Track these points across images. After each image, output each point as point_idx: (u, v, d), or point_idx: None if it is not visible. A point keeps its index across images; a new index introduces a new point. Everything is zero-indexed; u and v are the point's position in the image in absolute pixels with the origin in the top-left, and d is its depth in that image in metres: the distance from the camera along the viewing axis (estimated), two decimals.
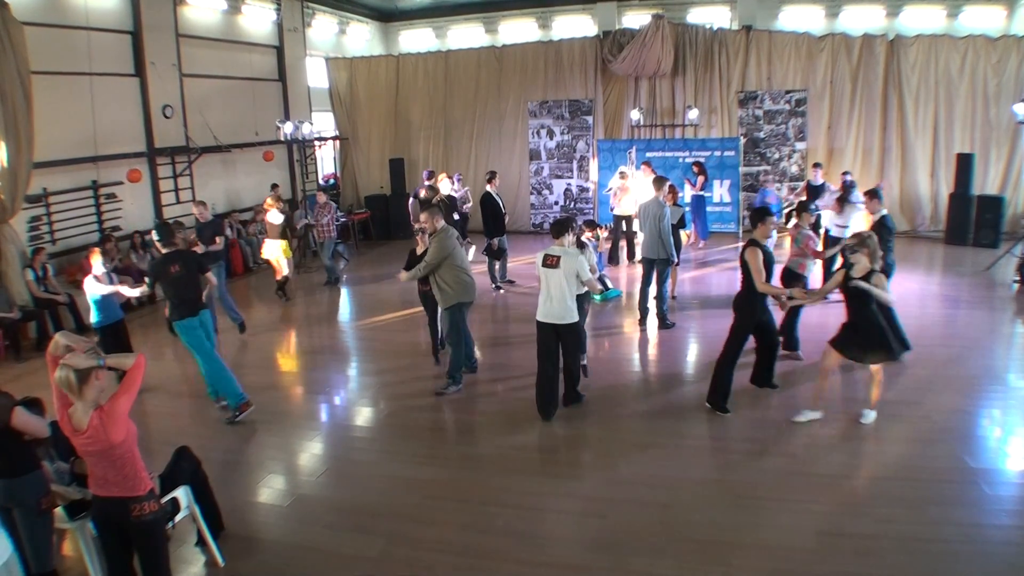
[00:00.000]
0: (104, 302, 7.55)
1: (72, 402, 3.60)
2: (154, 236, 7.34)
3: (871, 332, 6.02)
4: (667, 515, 5.10)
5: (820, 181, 12.50)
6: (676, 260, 9.44)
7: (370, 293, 12.22)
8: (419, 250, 7.72)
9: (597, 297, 10.08)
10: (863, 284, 5.91)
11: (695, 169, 13.76)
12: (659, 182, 9.40)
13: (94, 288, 7.45)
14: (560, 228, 6.61)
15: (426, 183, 12.13)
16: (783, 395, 7.02)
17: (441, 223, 7.31)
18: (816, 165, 13.03)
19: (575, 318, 6.59)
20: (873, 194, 8.38)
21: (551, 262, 6.47)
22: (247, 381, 8.34)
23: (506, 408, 7.14)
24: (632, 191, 12.57)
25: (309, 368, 8.87)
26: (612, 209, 12.83)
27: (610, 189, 13.03)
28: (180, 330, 7.01)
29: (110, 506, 3.73)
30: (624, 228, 12.73)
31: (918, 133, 14.67)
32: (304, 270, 13.82)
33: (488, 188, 11.39)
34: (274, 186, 14.71)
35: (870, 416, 6.30)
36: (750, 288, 6.49)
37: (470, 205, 12.91)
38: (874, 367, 6.22)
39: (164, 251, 7.08)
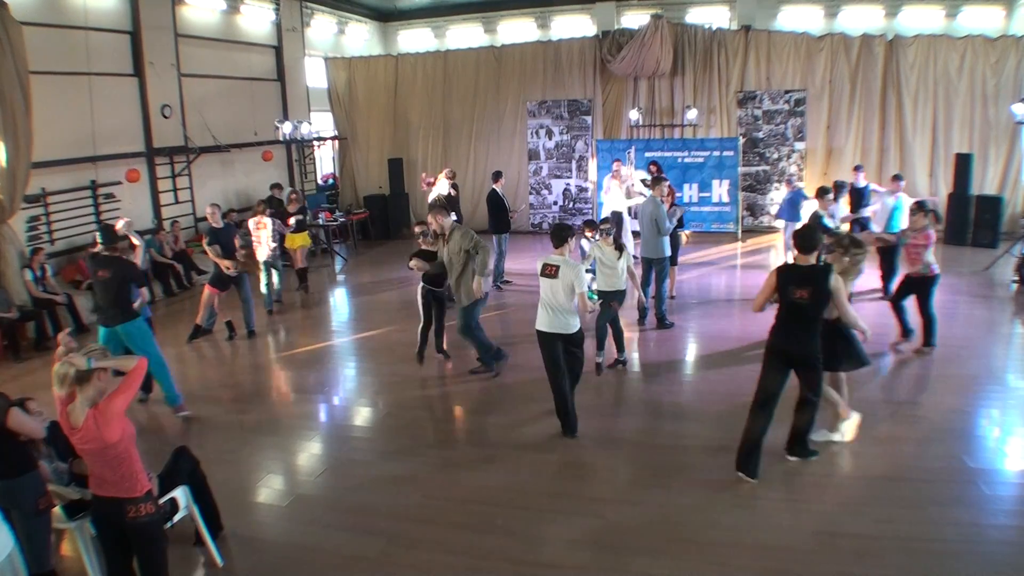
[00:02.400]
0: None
1: (73, 400, 3.62)
2: (97, 236, 7.22)
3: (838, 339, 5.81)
4: (666, 515, 5.10)
5: (863, 183, 11.65)
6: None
7: (368, 293, 12.22)
8: (431, 248, 7.88)
9: (594, 296, 10.05)
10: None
11: (652, 169, 13.27)
12: (656, 182, 9.47)
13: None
14: (559, 237, 6.29)
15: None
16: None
17: (449, 220, 7.51)
18: (857, 168, 12.13)
19: (578, 326, 6.34)
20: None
21: (550, 271, 6.21)
22: (245, 380, 8.36)
23: (505, 408, 7.14)
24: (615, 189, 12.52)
25: (308, 368, 8.85)
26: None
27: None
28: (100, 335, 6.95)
29: (108, 506, 3.74)
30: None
31: (917, 133, 14.68)
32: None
33: (495, 187, 11.71)
34: (273, 186, 14.70)
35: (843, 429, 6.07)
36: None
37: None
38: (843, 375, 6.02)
39: (103, 253, 6.94)
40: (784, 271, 5.42)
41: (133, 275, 6.95)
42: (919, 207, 8.03)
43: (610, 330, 7.94)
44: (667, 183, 9.68)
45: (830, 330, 5.63)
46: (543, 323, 6.28)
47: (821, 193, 9.43)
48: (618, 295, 7.78)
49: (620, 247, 7.57)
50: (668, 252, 9.30)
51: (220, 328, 9.88)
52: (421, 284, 8.15)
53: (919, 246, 7.80)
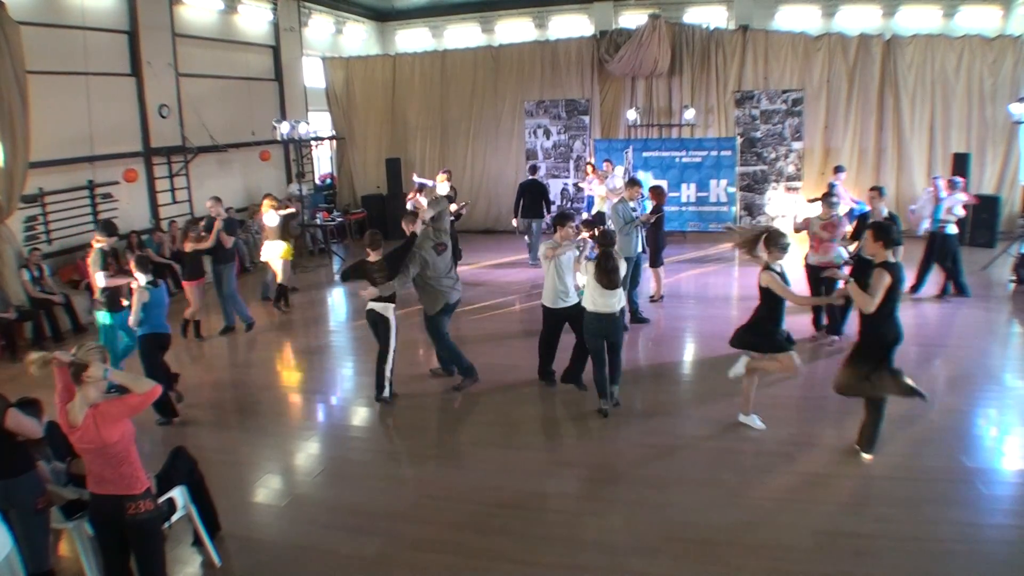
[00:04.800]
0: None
1: (71, 399, 3.62)
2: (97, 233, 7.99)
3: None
4: (665, 515, 5.10)
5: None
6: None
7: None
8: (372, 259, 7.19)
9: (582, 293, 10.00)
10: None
11: (590, 170, 13.61)
12: (631, 183, 9.61)
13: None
14: (559, 222, 7.14)
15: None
16: (783, 397, 7.02)
17: (418, 227, 7.33)
18: (838, 168, 12.58)
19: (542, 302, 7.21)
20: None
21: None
22: (243, 380, 8.36)
23: (503, 407, 7.14)
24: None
25: (305, 368, 8.85)
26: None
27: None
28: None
29: (107, 504, 3.74)
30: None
31: (914, 133, 14.69)
32: (301, 269, 13.75)
33: (535, 177, 13.27)
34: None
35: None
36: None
37: (465, 206, 12.83)
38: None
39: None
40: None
41: None
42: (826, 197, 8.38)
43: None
44: (639, 187, 9.71)
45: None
46: None
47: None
48: (604, 320, 6.64)
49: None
50: (634, 252, 9.23)
51: (217, 325, 9.88)
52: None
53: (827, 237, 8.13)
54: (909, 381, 5.55)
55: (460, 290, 7.53)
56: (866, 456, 5.72)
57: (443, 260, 7.28)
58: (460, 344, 7.70)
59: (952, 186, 10.22)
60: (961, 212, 10.15)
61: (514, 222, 13.21)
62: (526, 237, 13.31)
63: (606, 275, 6.45)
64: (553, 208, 13.60)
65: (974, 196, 11.21)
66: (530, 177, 13.33)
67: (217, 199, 9.84)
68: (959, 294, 10.22)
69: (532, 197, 12.88)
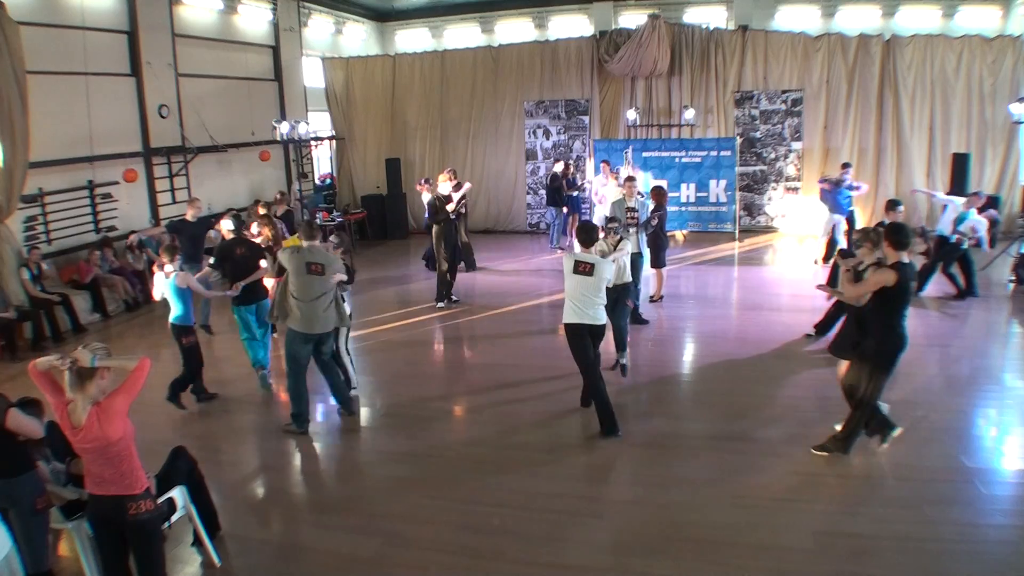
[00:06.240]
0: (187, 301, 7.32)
1: (69, 400, 3.61)
2: (228, 224, 8.15)
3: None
4: (665, 515, 5.10)
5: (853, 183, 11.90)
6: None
7: (365, 292, 12.18)
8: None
9: None
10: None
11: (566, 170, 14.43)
12: (628, 181, 9.60)
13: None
14: (589, 236, 6.45)
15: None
16: (783, 397, 7.02)
17: (274, 233, 7.19)
18: (845, 165, 12.37)
19: (604, 319, 6.42)
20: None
21: (584, 269, 6.20)
22: (242, 380, 8.36)
23: (503, 407, 7.14)
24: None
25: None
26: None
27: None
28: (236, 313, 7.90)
29: (106, 505, 3.73)
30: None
31: (914, 133, 14.69)
32: None
33: (556, 169, 14.24)
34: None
35: None
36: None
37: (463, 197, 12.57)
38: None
39: (232, 237, 7.97)
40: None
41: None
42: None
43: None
44: (633, 183, 9.70)
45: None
46: (573, 316, 6.29)
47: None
48: (623, 289, 7.48)
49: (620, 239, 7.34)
50: (633, 249, 9.26)
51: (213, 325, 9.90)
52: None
53: None
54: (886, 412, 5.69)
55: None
56: (817, 452, 5.78)
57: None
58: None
59: (980, 208, 10.33)
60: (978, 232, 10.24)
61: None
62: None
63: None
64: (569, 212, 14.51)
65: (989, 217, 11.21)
66: (555, 169, 14.44)
67: (195, 199, 9.89)
68: (960, 295, 10.28)
69: (552, 188, 14.14)
